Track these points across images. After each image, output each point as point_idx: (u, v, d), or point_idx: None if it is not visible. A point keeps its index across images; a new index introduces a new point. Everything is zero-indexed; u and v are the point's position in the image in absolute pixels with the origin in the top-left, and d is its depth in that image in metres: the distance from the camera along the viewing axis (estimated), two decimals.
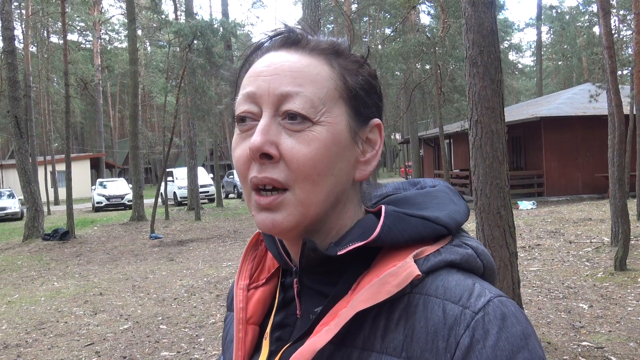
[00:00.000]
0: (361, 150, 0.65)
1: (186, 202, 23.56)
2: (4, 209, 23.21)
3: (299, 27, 0.66)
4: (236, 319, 0.70)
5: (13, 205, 23.50)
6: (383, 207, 0.64)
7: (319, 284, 0.65)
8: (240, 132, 0.63)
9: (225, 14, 26.05)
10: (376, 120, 0.66)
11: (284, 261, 0.69)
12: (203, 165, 37.20)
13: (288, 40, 0.64)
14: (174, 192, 26.68)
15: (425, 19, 28.00)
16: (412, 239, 0.61)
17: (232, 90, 0.68)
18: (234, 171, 28.01)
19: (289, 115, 0.60)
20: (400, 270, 0.57)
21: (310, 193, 0.60)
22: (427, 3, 24.48)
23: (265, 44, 0.66)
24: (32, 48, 32.10)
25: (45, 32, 34.25)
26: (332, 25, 33.97)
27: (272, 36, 0.66)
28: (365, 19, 34.53)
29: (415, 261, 0.59)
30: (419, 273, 0.57)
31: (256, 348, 0.69)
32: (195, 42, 15.30)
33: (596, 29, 27.36)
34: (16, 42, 16.77)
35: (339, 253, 0.61)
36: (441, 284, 0.58)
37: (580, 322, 5.11)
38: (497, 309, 0.55)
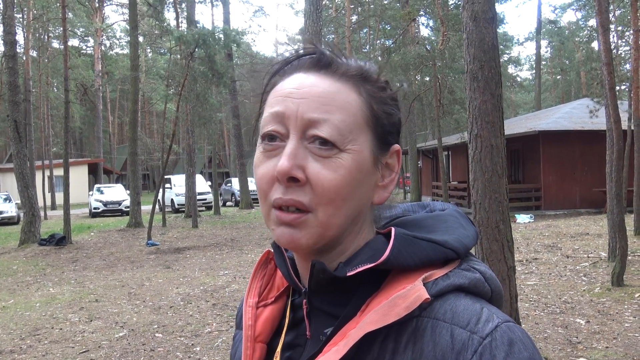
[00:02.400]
0: (380, 175, 0.66)
1: (184, 209, 23.52)
2: (0, 213, 23.13)
3: (329, 48, 0.67)
4: (244, 336, 0.70)
5: (9, 210, 23.41)
6: (393, 229, 0.64)
7: (328, 305, 0.65)
8: (265, 151, 0.64)
9: (227, 22, 26.16)
10: (397, 146, 0.68)
11: (293, 281, 0.69)
12: (201, 173, 37.15)
13: (319, 63, 0.65)
14: (172, 199, 26.63)
15: (424, 32, 28.17)
16: (421, 262, 0.61)
17: (256, 103, 0.69)
18: (232, 179, 27.69)
19: (319, 141, 0.61)
20: (409, 293, 0.58)
21: (332, 216, 0.61)
22: (427, 16, 24.66)
23: (293, 62, 0.66)
24: (33, 53, 32.17)
25: (46, 37, 34.35)
26: (333, 36, 34.15)
27: (300, 55, 0.67)
28: (365, 30, 34.72)
29: (424, 284, 0.59)
30: (428, 296, 0.58)
31: None
32: (197, 50, 15.35)
33: (595, 45, 27.56)
34: (17, 47, 16.79)
35: (348, 274, 0.62)
36: (449, 308, 0.59)
37: (577, 337, 5.11)
38: (504, 334, 0.56)
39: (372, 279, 0.63)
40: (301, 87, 0.63)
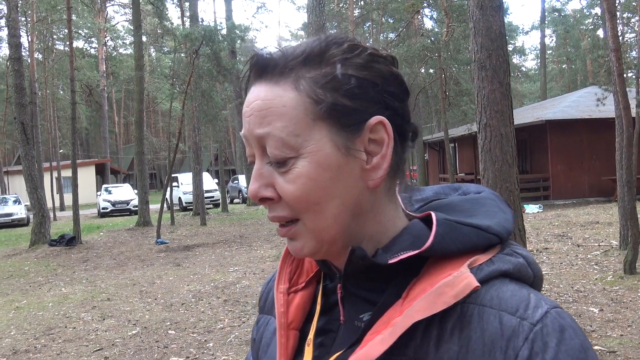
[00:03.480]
0: (365, 159, 0.60)
1: (191, 207, 23.60)
2: (10, 214, 23.30)
3: (269, 46, 0.62)
4: (278, 324, 0.69)
5: (19, 211, 23.59)
6: (433, 214, 0.61)
7: (364, 290, 0.63)
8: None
9: (229, 19, 26.16)
10: (374, 120, 0.59)
11: (327, 267, 0.68)
12: (208, 171, 37.27)
13: (257, 68, 0.61)
14: (179, 198, 26.72)
15: (428, 24, 28.05)
16: (464, 248, 0.59)
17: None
18: (239, 176, 27.71)
19: (270, 161, 0.60)
20: (457, 281, 0.56)
21: (317, 221, 0.60)
22: (430, 8, 24.55)
23: (247, 76, 0.64)
24: (38, 55, 32.29)
25: (50, 39, 34.46)
26: (336, 30, 34.07)
27: (247, 69, 0.63)
28: (368, 24, 34.61)
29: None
30: (478, 284, 0.56)
31: (297, 353, 0.68)
32: (202, 47, 15.37)
33: (600, 32, 27.32)
34: (22, 50, 16.87)
35: (389, 262, 0.60)
36: (495, 294, 0.57)
37: (591, 326, 5.08)
38: (555, 321, 0.54)
39: (410, 264, 0.61)
40: (249, 103, 0.61)
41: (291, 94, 0.58)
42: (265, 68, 0.60)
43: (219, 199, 25.92)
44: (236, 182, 31.75)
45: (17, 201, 24.34)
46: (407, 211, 0.68)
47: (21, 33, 18.18)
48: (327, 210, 0.59)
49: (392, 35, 28.35)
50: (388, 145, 0.60)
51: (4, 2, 15.68)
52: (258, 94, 0.60)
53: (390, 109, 0.61)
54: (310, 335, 0.67)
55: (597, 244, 9.18)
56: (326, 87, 0.59)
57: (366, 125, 0.60)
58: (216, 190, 27.27)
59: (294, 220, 0.61)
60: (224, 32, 16.55)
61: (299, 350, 0.68)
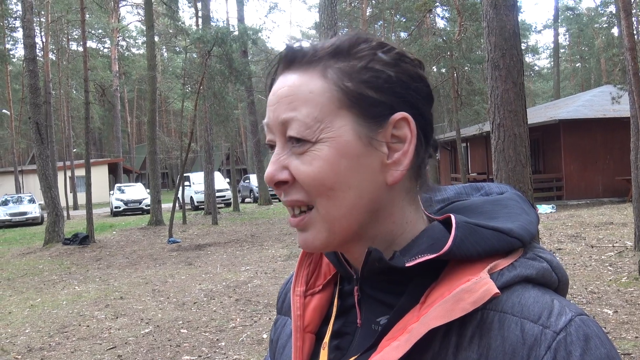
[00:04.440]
0: (386, 153, 0.60)
1: (203, 206, 23.71)
2: (24, 213, 23.58)
3: (299, 41, 0.65)
4: (294, 327, 0.68)
5: (33, 210, 23.87)
6: (453, 217, 0.60)
7: (382, 293, 0.63)
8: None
9: (241, 19, 26.24)
10: (398, 115, 0.60)
11: (343, 268, 0.67)
12: (219, 170, 37.40)
13: (286, 61, 0.63)
14: (191, 197, 26.85)
15: (440, 23, 27.91)
16: (484, 252, 0.58)
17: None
18: (250, 176, 27.66)
19: (294, 140, 0.60)
20: (476, 287, 0.55)
21: (330, 208, 0.60)
22: (442, 7, 24.43)
23: (275, 69, 0.66)
24: (51, 55, 32.61)
25: (65, 39, 34.79)
26: (346, 30, 33.99)
27: (275, 60, 0.65)
28: (380, 22, 34.50)
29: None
30: (498, 291, 0.54)
31: (312, 356, 0.68)
32: (214, 48, 15.43)
33: (615, 31, 27.03)
34: (36, 50, 17.04)
35: (407, 265, 0.58)
36: (517, 300, 0.56)
37: (605, 327, 5.03)
38: (579, 329, 0.53)
39: (429, 267, 0.60)
40: (274, 93, 0.62)
41: (318, 82, 0.60)
42: (294, 58, 0.62)
43: (230, 199, 26.01)
44: (247, 181, 31.83)
45: (31, 200, 24.64)
46: (427, 213, 0.67)
47: (36, 33, 18.38)
48: (342, 198, 0.59)
49: (403, 35, 28.26)
50: (411, 142, 0.60)
51: (19, 3, 15.86)
52: (285, 81, 0.61)
53: (415, 108, 0.61)
54: (326, 339, 0.66)
55: (611, 245, 9.08)
56: (353, 78, 0.60)
57: (390, 119, 0.60)
58: (227, 189, 27.37)
59: (309, 208, 0.61)
60: (235, 33, 16.60)
61: (314, 353, 0.67)
